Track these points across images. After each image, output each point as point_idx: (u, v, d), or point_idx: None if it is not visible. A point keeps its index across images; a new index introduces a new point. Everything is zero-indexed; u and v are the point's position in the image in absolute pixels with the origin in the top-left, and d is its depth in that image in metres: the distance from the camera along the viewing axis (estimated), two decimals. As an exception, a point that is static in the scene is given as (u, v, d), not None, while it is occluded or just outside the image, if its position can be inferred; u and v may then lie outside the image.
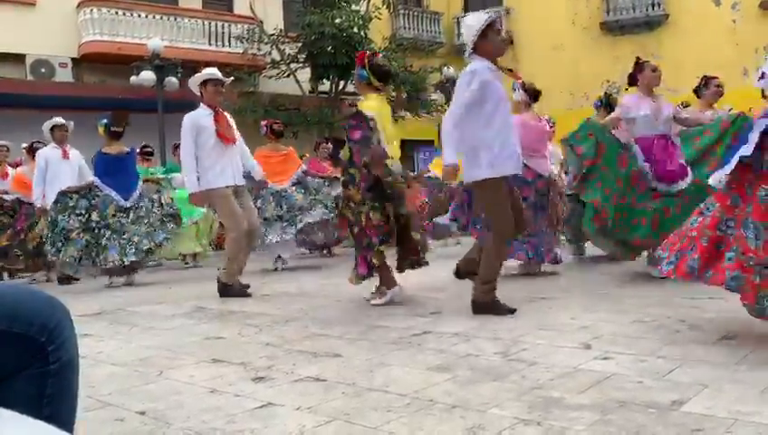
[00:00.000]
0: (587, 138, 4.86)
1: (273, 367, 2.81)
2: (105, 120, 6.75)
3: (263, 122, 7.80)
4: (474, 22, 3.82)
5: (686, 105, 6.96)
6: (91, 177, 6.87)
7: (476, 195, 4.20)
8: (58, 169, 7.05)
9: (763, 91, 4.89)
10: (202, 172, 5.28)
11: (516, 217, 3.88)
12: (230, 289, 5.27)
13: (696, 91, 5.98)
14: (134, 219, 6.66)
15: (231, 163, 5.40)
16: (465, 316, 3.78)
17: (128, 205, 6.68)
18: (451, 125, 3.74)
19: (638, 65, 5.02)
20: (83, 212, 6.52)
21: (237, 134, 5.58)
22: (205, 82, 5.44)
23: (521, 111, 5.63)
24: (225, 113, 5.56)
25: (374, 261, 4.31)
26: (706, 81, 5.89)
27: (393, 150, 4.38)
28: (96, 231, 6.53)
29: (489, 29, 3.79)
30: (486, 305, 3.81)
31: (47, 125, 7.27)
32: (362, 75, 4.41)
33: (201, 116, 5.34)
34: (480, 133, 3.78)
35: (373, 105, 4.32)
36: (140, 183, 6.91)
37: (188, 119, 5.32)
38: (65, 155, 7.17)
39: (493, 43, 3.81)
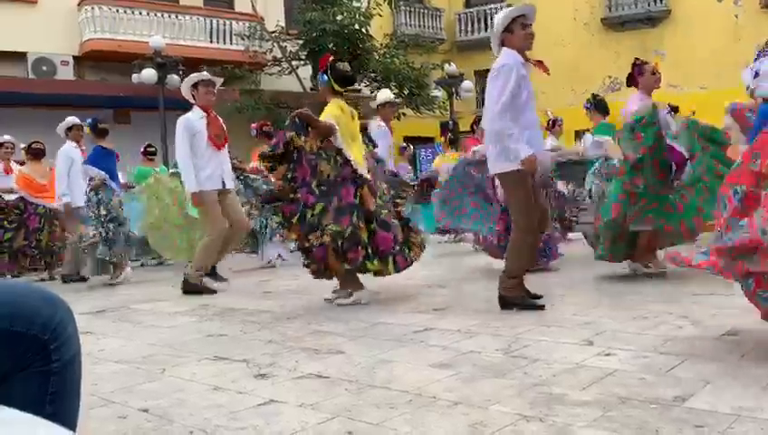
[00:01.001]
0: (652, 125, 4.59)
1: (276, 364, 2.82)
2: (89, 120, 6.80)
3: (252, 125, 7.80)
4: (500, 17, 3.85)
5: (673, 107, 6.87)
6: (94, 173, 6.88)
7: (503, 187, 4.23)
8: (80, 168, 7.03)
9: (750, 88, 4.77)
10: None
11: (540, 215, 3.87)
12: (194, 286, 5.43)
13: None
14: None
15: (220, 166, 5.48)
16: (468, 313, 3.79)
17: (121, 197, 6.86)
18: (510, 122, 3.67)
19: (638, 67, 4.89)
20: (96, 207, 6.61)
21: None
22: (196, 85, 5.46)
23: None
24: (218, 118, 5.59)
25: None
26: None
27: (355, 154, 4.37)
28: (106, 224, 6.59)
29: (513, 23, 3.80)
30: (514, 301, 3.80)
31: (64, 125, 7.22)
32: (323, 80, 4.47)
33: (194, 119, 5.40)
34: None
35: (334, 111, 4.34)
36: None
37: (182, 122, 5.38)
38: (83, 155, 7.17)
39: (517, 37, 3.82)
